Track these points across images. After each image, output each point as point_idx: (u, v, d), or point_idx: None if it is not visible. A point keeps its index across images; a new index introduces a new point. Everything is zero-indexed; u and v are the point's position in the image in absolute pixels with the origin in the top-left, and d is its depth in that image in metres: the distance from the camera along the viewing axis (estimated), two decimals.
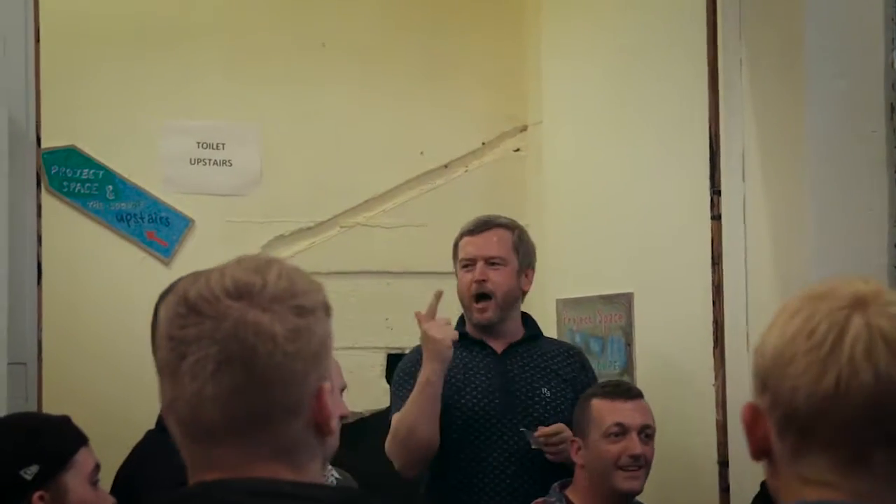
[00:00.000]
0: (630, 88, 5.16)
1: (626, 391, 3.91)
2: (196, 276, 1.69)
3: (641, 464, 3.75)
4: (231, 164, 5.54)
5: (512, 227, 4.28)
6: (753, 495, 3.80)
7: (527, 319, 4.34)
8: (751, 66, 4.38)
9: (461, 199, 5.80)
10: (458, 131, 5.88)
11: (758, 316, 4.36)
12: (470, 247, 4.22)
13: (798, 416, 1.61)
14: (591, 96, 5.44)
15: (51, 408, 3.40)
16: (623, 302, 5.03)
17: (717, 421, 4.35)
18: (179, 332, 1.63)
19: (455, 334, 3.97)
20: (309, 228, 5.56)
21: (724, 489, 4.36)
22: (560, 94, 5.68)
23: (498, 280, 4.17)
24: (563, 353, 4.26)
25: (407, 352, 4.46)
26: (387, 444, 4.04)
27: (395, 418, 4.03)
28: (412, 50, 5.82)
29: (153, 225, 5.37)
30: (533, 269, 4.28)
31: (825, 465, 1.60)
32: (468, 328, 4.25)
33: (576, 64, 5.55)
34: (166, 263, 5.32)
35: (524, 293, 4.28)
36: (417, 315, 3.98)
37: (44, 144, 3.89)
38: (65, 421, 2.76)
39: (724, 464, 4.36)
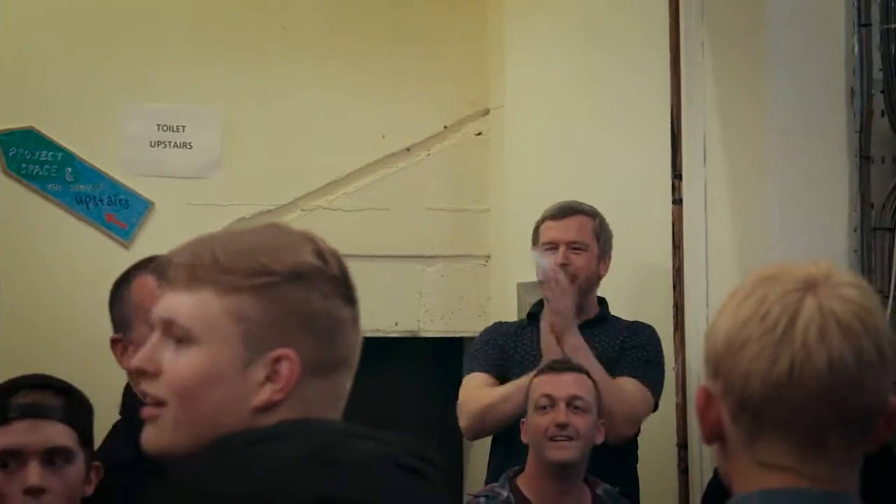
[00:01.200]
0: (593, 72, 5.16)
1: (558, 365, 3.90)
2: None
3: (571, 434, 3.71)
4: (191, 147, 5.50)
5: (593, 214, 4.34)
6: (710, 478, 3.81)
7: (602, 303, 4.40)
8: (713, 50, 4.39)
9: (423, 182, 5.79)
10: (420, 115, 5.86)
11: (718, 300, 4.34)
12: (552, 231, 4.31)
13: (752, 402, 1.60)
14: (553, 80, 5.44)
15: None
16: None
17: (677, 404, 4.38)
18: None
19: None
20: (270, 211, 5.53)
21: (683, 471, 4.38)
22: (522, 78, 5.67)
23: (579, 264, 4.24)
24: (619, 335, 4.26)
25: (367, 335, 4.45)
26: (470, 406, 4.15)
27: (500, 391, 4.14)
28: (373, 33, 5.79)
29: (112, 207, 5.33)
30: (610, 255, 4.34)
31: (782, 450, 1.60)
32: (545, 312, 4.25)
33: (538, 48, 5.55)
34: (126, 246, 5.28)
35: (600, 278, 4.33)
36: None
37: (1, 126, 3.86)
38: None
39: (682, 446, 4.39)
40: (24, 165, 5.21)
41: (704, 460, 4.32)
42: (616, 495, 3.83)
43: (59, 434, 2.58)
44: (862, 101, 4.16)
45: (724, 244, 4.35)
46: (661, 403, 4.28)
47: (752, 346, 1.60)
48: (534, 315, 4.35)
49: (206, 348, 1.70)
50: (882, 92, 4.19)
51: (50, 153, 5.25)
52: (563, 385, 3.79)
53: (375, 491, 1.62)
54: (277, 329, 1.70)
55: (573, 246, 4.26)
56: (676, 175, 4.40)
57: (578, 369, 3.86)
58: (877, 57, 4.18)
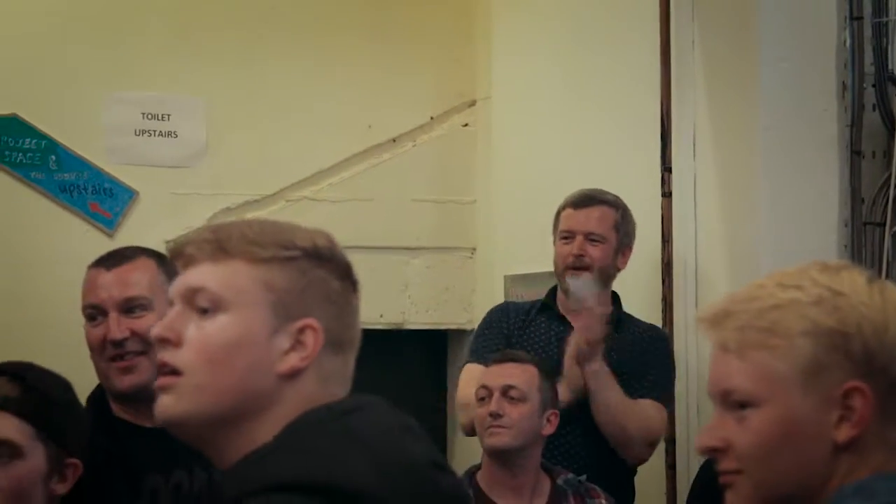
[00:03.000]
0: (581, 64, 5.13)
1: (501, 356, 3.90)
2: None
3: (504, 423, 3.72)
4: (176, 136, 5.47)
5: (616, 205, 4.21)
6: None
7: (616, 299, 4.27)
8: (703, 42, 4.38)
9: (409, 173, 5.77)
10: (407, 106, 5.84)
11: (707, 294, 4.36)
12: (571, 220, 4.19)
13: None
14: (541, 72, 5.41)
15: None
16: None
17: None
18: None
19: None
20: (255, 201, 5.50)
21: (671, 466, 4.37)
22: (509, 69, 5.65)
23: (595, 255, 4.13)
24: (634, 342, 4.16)
25: None
26: (462, 401, 4.10)
27: None
28: (360, 23, 5.76)
29: (97, 196, 5.29)
30: (631, 248, 4.22)
31: None
32: (558, 300, 4.23)
33: (526, 39, 5.52)
34: (110, 235, 5.24)
35: (618, 271, 4.23)
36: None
37: None
38: None
39: (670, 441, 4.37)
40: (7, 153, 5.16)
41: (692, 456, 4.30)
42: (578, 484, 3.81)
43: (4, 426, 2.45)
44: (853, 95, 4.15)
45: (714, 238, 4.34)
46: None
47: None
48: (547, 306, 4.26)
49: (236, 315, 1.74)
50: (874, 86, 4.18)
51: (34, 141, 5.21)
52: (498, 375, 3.80)
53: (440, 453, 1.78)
54: (303, 300, 1.76)
55: (591, 237, 4.14)
56: (666, 168, 4.38)
57: (521, 360, 3.85)
58: (868, 51, 4.17)
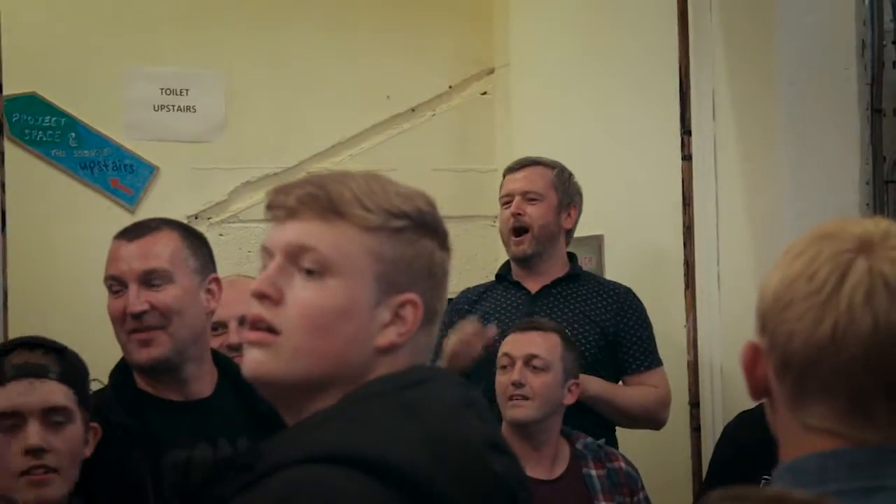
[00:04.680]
0: (598, 30, 5.11)
1: (525, 324, 3.87)
2: None
3: (526, 393, 3.69)
4: (195, 111, 5.47)
5: (552, 165, 4.30)
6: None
7: (572, 259, 4.34)
8: (721, 4, 4.35)
9: (429, 142, 5.77)
10: (425, 75, 5.83)
11: (729, 257, 4.35)
12: (509, 183, 4.29)
13: (794, 363, 1.55)
14: (558, 38, 5.39)
15: None
16: (594, 244, 5.00)
17: (689, 362, 4.35)
18: None
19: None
20: (276, 174, 5.50)
21: (696, 429, 4.36)
22: (527, 36, 5.63)
23: (534, 214, 4.20)
24: (600, 294, 4.22)
25: None
26: None
27: None
28: None
29: (117, 172, 5.31)
30: (577, 207, 4.28)
31: (827, 413, 1.54)
32: (512, 269, 4.29)
33: (543, 5, 5.50)
34: (131, 211, 5.25)
35: (567, 231, 4.28)
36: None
37: (4, 91, 3.82)
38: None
39: (695, 404, 4.37)
40: (27, 131, 5.17)
41: (717, 418, 4.31)
42: (598, 448, 3.79)
43: (56, 393, 2.56)
44: (873, 52, 4.11)
45: (735, 200, 4.32)
46: (674, 363, 4.26)
47: (798, 306, 1.54)
48: (502, 276, 4.32)
49: (344, 282, 1.69)
50: (893, 42, 4.14)
51: (53, 118, 5.22)
52: (522, 344, 3.76)
53: (500, 433, 1.75)
54: (407, 273, 1.72)
55: (528, 196, 4.22)
56: (685, 131, 4.35)
57: (544, 328, 3.83)
58: (888, 7, 4.13)
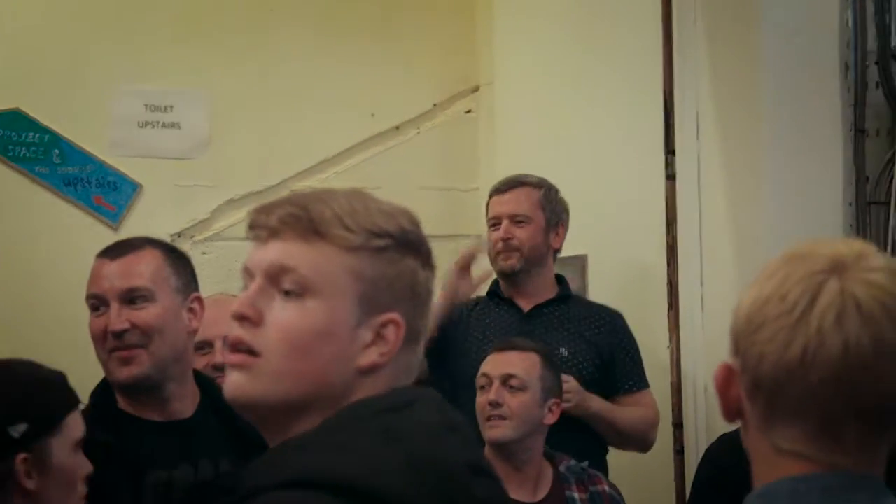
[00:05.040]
0: (583, 48, 5.11)
1: (503, 345, 3.86)
2: None
3: (504, 413, 3.67)
4: (179, 127, 5.46)
5: (539, 185, 4.29)
6: None
7: (561, 281, 4.33)
8: (706, 24, 4.35)
9: (413, 160, 5.77)
10: (409, 92, 5.83)
11: (712, 277, 4.35)
12: (497, 206, 4.28)
13: (765, 384, 1.54)
14: (543, 56, 5.40)
15: None
16: (577, 264, 5.00)
17: (672, 383, 4.35)
18: None
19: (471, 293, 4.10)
20: (259, 192, 5.48)
21: (678, 451, 4.36)
22: (512, 54, 5.63)
23: (523, 236, 4.20)
24: (592, 316, 4.22)
25: None
26: None
27: None
28: (361, 11, 5.75)
29: (101, 189, 5.29)
30: (564, 226, 4.28)
31: (797, 437, 1.54)
32: (501, 286, 4.28)
33: (528, 23, 5.50)
34: (114, 228, 5.24)
35: (555, 251, 4.28)
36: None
37: None
38: (60, 379, 2.54)
39: (678, 426, 4.36)
40: (10, 147, 5.16)
41: (700, 439, 4.30)
42: (581, 470, 3.76)
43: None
44: (856, 73, 4.13)
45: (719, 220, 4.32)
46: (656, 383, 4.25)
47: (769, 328, 1.54)
48: (493, 293, 4.31)
49: (324, 302, 1.67)
50: (877, 63, 4.16)
51: (37, 135, 5.21)
52: (499, 364, 3.75)
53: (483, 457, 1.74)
54: (389, 293, 1.70)
55: (516, 219, 4.21)
56: (669, 150, 4.36)
57: (522, 347, 3.82)
58: (871, 28, 4.15)
